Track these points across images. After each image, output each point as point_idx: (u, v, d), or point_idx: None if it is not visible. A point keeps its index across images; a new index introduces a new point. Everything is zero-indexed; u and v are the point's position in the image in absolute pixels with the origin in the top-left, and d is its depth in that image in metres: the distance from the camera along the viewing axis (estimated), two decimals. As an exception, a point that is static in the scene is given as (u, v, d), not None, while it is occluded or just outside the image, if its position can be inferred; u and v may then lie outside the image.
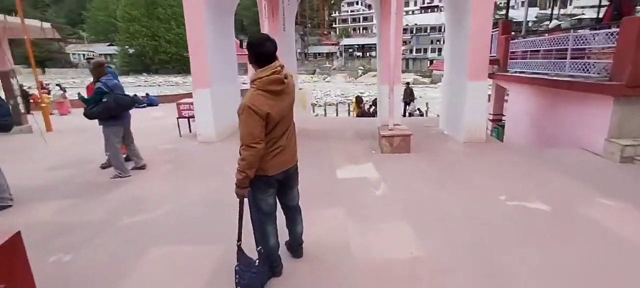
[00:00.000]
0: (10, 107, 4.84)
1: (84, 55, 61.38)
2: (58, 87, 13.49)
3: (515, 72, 7.68)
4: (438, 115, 15.69)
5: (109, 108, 4.24)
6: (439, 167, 4.69)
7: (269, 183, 2.11)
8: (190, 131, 7.17)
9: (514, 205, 3.39)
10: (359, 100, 14.34)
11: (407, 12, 61.88)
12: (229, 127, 6.84)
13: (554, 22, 8.97)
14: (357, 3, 65.70)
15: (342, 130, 7.63)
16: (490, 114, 9.36)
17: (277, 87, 1.94)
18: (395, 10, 5.09)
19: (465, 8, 5.70)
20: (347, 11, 67.32)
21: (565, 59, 5.89)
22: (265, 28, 5.39)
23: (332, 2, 65.91)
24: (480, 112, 5.75)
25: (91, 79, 4.72)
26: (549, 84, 6.18)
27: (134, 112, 4.86)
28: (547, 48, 6.60)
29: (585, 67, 5.45)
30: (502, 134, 8.74)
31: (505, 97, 9.28)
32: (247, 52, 2.01)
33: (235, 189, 1.99)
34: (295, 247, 2.54)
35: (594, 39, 5.37)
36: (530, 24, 23.57)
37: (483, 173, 4.43)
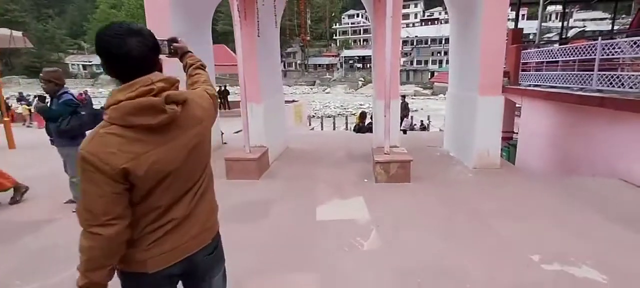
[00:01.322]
0: None
1: (83, 65, 61.21)
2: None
3: (529, 85, 6.79)
4: (441, 130, 14.87)
5: (84, 124, 3.43)
6: (446, 205, 3.74)
7: (151, 285, 1.17)
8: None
9: (555, 272, 2.43)
10: (363, 115, 13.52)
11: (407, 24, 61.86)
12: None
13: (574, 30, 8.12)
14: (358, 15, 65.65)
15: (333, 149, 6.71)
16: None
17: (151, 120, 1.01)
18: (391, 12, 4.23)
19: (475, 12, 4.85)
20: (348, 23, 67.28)
21: (592, 71, 5.01)
22: (237, 34, 4.53)
23: (333, 14, 66.02)
24: (494, 133, 4.84)
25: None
26: (572, 100, 5.27)
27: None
28: (567, 58, 5.72)
29: (619, 80, 4.56)
30: (513, 154, 7.79)
31: (516, 113, 8.38)
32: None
33: None
34: None
35: (632, 48, 4.48)
36: (530, 36, 22.89)
37: (504, 215, 3.48)
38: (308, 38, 5.33)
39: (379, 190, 4.26)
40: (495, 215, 3.45)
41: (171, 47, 1.53)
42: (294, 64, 63.64)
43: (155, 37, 1.11)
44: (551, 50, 6.23)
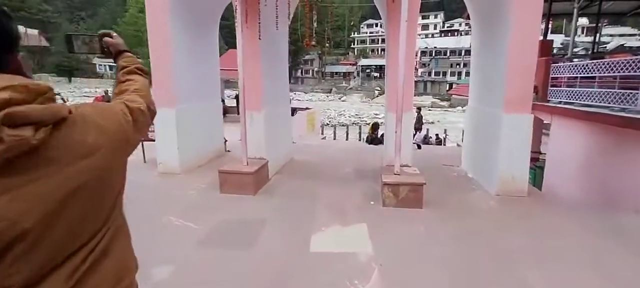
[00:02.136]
0: None
1: (109, 66, 63.50)
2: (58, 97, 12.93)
3: (560, 102, 6.14)
4: (458, 144, 14.11)
5: None
6: (463, 241, 3.21)
7: None
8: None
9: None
10: (375, 126, 13.07)
11: (426, 35, 60.96)
12: (197, 155, 5.62)
13: (613, 43, 7.40)
14: (377, 25, 65.36)
15: (340, 163, 6.25)
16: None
17: None
18: (406, 16, 3.79)
19: (502, 20, 4.34)
20: (366, 32, 67.05)
21: (636, 89, 4.38)
22: (238, 36, 4.20)
23: (352, 23, 65.94)
24: (521, 156, 4.26)
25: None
26: (613, 121, 4.62)
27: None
28: (606, 74, 5.09)
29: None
30: (539, 177, 7.08)
31: (544, 131, 7.68)
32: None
33: None
34: None
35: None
36: (554, 51, 21.73)
37: (532, 255, 2.92)
38: (313, 43, 4.95)
39: (386, 216, 3.77)
40: (522, 256, 2.90)
41: (103, 44, 1.15)
42: (311, 71, 63.78)
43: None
44: (587, 65, 5.59)
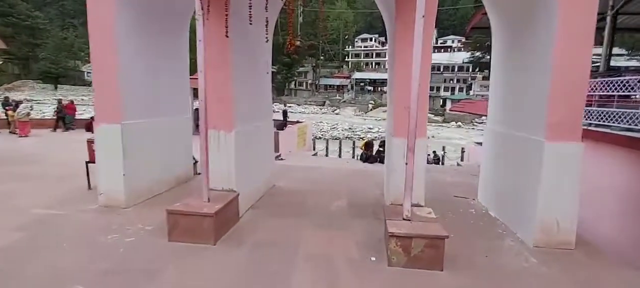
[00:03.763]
0: None
1: (97, 73, 61.82)
2: (23, 106, 11.63)
3: (590, 124, 5.21)
4: (458, 164, 13.15)
5: None
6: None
7: None
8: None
9: None
10: (368, 145, 12.11)
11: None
12: (152, 183, 4.50)
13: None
14: (371, 39, 65.45)
15: (332, 191, 5.18)
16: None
17: None
18: (422, 11, 2.81)
19: (539, 23, 3.40)
20: (361, 46, 66.96)
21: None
22: (199, 31, 3.16)
23: (346, 36, 65.96)
24: (569, 196, 3.25)
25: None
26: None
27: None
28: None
29: None
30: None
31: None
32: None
33: None
34: None
35: None
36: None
37: None
38: (298, 43, 4.07)
39: (393, 282, 2.69)
40: None
41: None
42: (305, 83, 63.16)
43: None
44: (627, 82, 4.69)
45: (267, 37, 4.02)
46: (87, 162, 4.84)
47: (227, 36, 3.33)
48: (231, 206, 3.64)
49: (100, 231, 3.43)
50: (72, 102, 13.41)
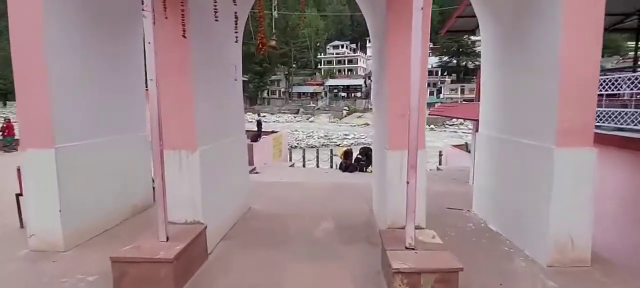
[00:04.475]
0: None
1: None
2: None
3: (603, 127, 4.80)
4: (438, 168, 13.05)
5: None
6: None
7: None
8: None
9: None
10: (347, 154, 11.73)
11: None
12: (97, 218, 3.72)
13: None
14: (342, 46, 66.07)
15: (314, 211, 4.63)
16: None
17: None
18: (421, 3, 2.38)
19: (541, 18, 3.10)
20: (333, 53, 67.33)
21: None
22: (148, 31, 2.52)
23: (318, 44, 66.14)
24: (582, 208, 2.93)
25: None
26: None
27: None
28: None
29: None
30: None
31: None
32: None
33: None
34: None
35: None
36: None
37: None
38: (273, 43, 3.58)
39: (404, 334, 2.18)
40: None
41: None
42: (278, 91, 62.37)
43: None
44: (616, 80, 4.56)
45: (236, 36, 3.42)
46: (17, 195, 3.95)
47: (184, 37, 2.71)
48: (197, 243, 2.98)
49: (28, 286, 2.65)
50: (9, 120, 11.81)
